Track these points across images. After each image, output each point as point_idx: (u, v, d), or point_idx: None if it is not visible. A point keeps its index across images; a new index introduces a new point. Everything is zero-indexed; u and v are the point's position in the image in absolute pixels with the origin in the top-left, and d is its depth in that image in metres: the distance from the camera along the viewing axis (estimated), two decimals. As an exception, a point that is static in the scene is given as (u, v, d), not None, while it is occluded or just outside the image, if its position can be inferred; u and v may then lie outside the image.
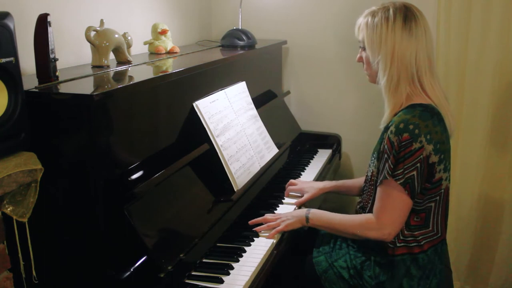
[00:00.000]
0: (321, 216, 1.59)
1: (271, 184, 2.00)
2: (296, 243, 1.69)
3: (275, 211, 1.77)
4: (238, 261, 1.44)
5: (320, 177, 2.19)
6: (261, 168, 1.92)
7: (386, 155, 1.43)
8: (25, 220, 1.16)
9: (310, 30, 2.62)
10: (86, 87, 1.41)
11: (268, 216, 1.67)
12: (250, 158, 1.89)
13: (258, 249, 1.51)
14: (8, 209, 1.13)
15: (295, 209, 1.79)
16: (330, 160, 2.42)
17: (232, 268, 1.40)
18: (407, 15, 1.45)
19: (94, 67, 1.63)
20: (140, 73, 1.67)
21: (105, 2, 1.91)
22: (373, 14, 1.49)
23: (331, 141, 2.59)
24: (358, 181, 1.87)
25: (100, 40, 1.60)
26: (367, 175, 1.61)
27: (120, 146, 1.35)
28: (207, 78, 1.83)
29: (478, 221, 2.41)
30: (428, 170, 1.41)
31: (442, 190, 1.47)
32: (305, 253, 1.65)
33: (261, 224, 1.64)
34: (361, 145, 2.61)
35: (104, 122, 1.28)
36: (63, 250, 1.30)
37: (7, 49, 1.09)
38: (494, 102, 2.27)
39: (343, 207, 2.67)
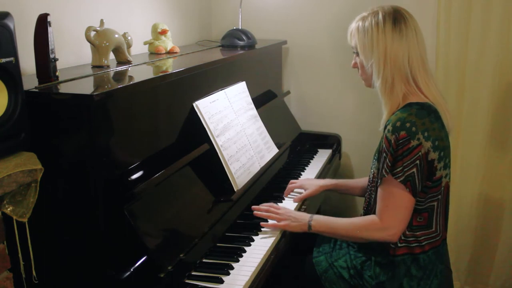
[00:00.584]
0: (324, 222, 1.56)
1: (271, 184, 2.00)
2: (296, 243, 1.69)
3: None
4: (238, 261, 1.44)
5: (320, 177, 2.19)
6: (261, 168, 1.92)
7: (384, 154, 1.43)
8: (25, 220, 1.16)
9: (310, 30, 2.62)
10: (86, 87, 1.41)
11: (272, 208, 1.67)
12: (250, 158, 1.89)
13: (258, 249, 1.51)
14: (8, 209, 1.13)
15: (297, 208, 1.79)
16: (330, 160, 2.42)
17: (232, 268, 1.40)
18: (397, 17, 1.47)
19: (94, 67, 1.63)
20: (140, 73, 1.67)
21: (105, 2, 1.91)
22: (363, 19, 1.51)
23: (331, 141, 2.59)
24: (359, 181, 1.87)
25: (100, 40, 1.60)
26: (369, 178, 1.61)
27: (120, 146, 1.35)
28: (207, 78, 1.83)
29: (478, 221, 2.41)
30: (428, 167, 1.41)
31: (443, 188, 1.47)
32: (305, 253, 1.65)
33: (261, 220, 1.64)
34: (361, 145, 2.61)
35: (104, 122, 1.28)
36: (63, 250, 1.30)
37: (7, 49, 1.08)
38: (494, 102, 2.27)
39: (345, 210, 2.68)
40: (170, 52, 2.07)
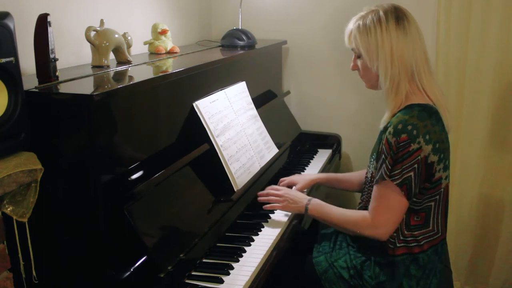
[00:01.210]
0: (320, 208, 1.61)
1: (271, 184, 2.00)
2: (296, 243, 1.69)
3: (274, 211, 1.76)
4: (238, 261, 1.44)
5: (320, 177, 2.19)
6: (261, 168, 1.92)
7: (383, 156, 1.43)
8: (25, 220, 1.16)
9: (310, 30, 2.62)
10: (86, 87, 1.41)
11: (272, 190, 1.76)
12: (250, 158, 1.89)
13: (258, 249, 1.51)
14: (8, 209, 1.13)
15: None
16: (330, 160, 2.42)
17: (232, 268, 1.40)
18: (398, 14, 1.45)
19: (94, 67, 1.63)
20: (140, 73, 1.67)
21: (105, 2, 1.91)
22: (363, 19, 1.46)
23: (331, 141, 2.59)
24: (351, 175, 1.88)
25: (100, 40, 1.60)
26: (366, 177, 1.61)
27: (120, 146, 1.35)
28: (207, 78, 1.83)
29: (478, 221, 2.41)
30: (427, 170, 1.40)
31: (442, 189, 1.47)
32: (305, 253, 1.65)
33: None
34: (361, 145, 2.61)
35: (104, 122, 1.28)
36: (63, 250, 1.30)
37: (7, 49, 1.08)
38: (494, 102, 2.27)
39: (343, 205, 2.68)
40: (170, 52, 2.07)
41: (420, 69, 1.45)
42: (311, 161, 2.35)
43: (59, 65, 1.40)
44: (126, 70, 1.63)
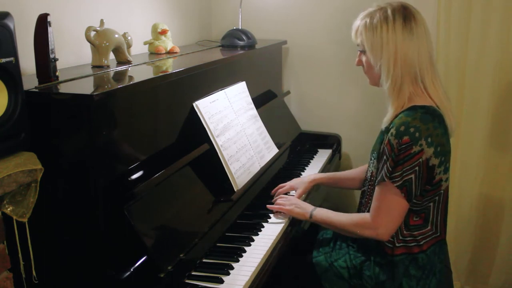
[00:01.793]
0: (324, 214, 1.61)
1: (271, 184, 2.00)
2: (296, 243, 1.69)
3: (274, 211, 1.76)
4: (238, 261, 1.44)
5: (320, 177, 2.18)
6: (261, 168, 1.92)
7: (385, 157, 1.42)
8: (25, 220, 1.16)
9: (310, 30, 2.62)
10: (86, 87, 1.41)
11: (282, 195, 1.82)
12: (250, 158, 1.89)
13: (258, 249, 1.51)
14: (8, 209, 1.13)
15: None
16: (330, 160, 2.42)
17: (232, 268, 1.40)
18: (406, 14, 1.43)
19: (94, 67, 1.63)
20: (140, 73, 1.67)
21: (105, 2, 1.91)
22: (371, 16, 1.45)
23: (331, 141, 2.59)
24: (351, 172, 1.89)
25: (100, 40, 1.60)
26: (366, 176, 1.61)
27: (120, 146, 1.35)
28: (207, 78, 1.83)
29: (478, 221, 2.41)
30: (428, 173, 1.40)
31: (442, 191, 1.47)
32: (305, 253, 1.65)
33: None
34: (361, 145, 2.61)
35: (104, 122, 1.28)
36: (63, 250, 1.30)
37: (7, 49, 1.08)
38: (494, 102, 2.27)
39: (343, 206, 2.67)
40: (170, 52, 2.07)
41: (424, 71, 1.44)
42: (311, 161, 2.34)
43: (59, 65, 1.40)
44: (126, 70, 1.63)
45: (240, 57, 2.19)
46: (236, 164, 1.77)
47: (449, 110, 1.48)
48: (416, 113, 1.40)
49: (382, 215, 1.44)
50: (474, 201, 2.39)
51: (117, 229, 1.27)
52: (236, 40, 2.36)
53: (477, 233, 2.43)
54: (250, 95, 2.09)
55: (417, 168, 1.38)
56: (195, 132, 1.68)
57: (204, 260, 1.45)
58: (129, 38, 1.74)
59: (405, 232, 1.48)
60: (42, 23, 1.30)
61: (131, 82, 1.47)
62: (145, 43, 2.07)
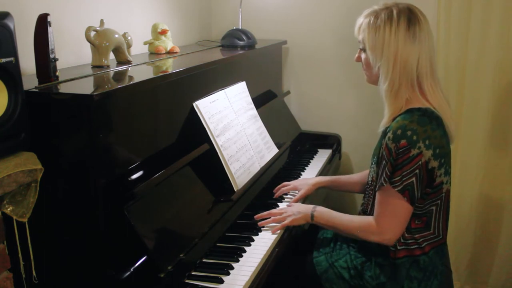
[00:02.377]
0: (326, 215, 1.59)
1: (271, 184, 2.00)
2: (296, 243, 1.69)
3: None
4: (238, 261, 1.44)
5: (320, 177, 2.18)
6: (261, 168, 1.92)
7: (384, 162, 1.42)
8: (25, 220, 1.16)
9: (310, 30, 2.62)
10: (86, 87, 1.41)
11: (273, 210, 1.68)
12: (250, 158, 1.89)
13: (258, 249, 1.51)
14: (8, 209, 1.13)
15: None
16: (330, 160, 2.42)
17: (232, 268, 1.40)
18: (411, 18, 1.41)
19: (94, 67, 1.63)
20: (140, 73, 1.67)
21: (105, 2, 1.91)
22: (376, 15, 1.43)
23: (331, 141, 2.59)
24: (352, 177, 1.88)
25: (100, 40, 1.60)
26: (368, 180, 1.61)
27: (120, 146, 1.35)
28: (207, 78, 1.83)
29: (478, 221, 2.41)
30: (428, 175, 1.39)
31: (443, 194, 1.46)
32: (305, 253, 1.65)
33: (265, 219, 1.64)
34: (361, 145, 2.61)
35: (104, 122, 1.28)
36: (63, 250, 1.30)
37: (7, 49, 1.09)
38: (494, 102, 2.26)
39: (344, 207, 2.68)
40: (170, 52, 2.07)
41: (423, 77, 1.42)
42: (311, 161, 2.34)
43: (59, 65, 1.40)
44: (126, 70, 1.63)
45: (240, 57, 2.19)
46: (236, 164, 1.77)
47: (449, 116, 1.46)
48: (413, 116, 1.39)
49: (388, 220, 1.43)
50: (474, 201, 2.39)
51: (117, 229, 1.27)
52: (236, 40, 2.36)
53: (477, 233, 2.43)
54: (250, 95, 2.09)
55: (417, 171, 1.37)
56: (195, 132, 1.68)
57: (204, 260, 1.45)
58: (129, 38, 1.74)
59: (406, 235, 1.47)
60: (42, 23, 1.30)
61: (131, 82, 1.47)
62: (145, 43, 2.07)
